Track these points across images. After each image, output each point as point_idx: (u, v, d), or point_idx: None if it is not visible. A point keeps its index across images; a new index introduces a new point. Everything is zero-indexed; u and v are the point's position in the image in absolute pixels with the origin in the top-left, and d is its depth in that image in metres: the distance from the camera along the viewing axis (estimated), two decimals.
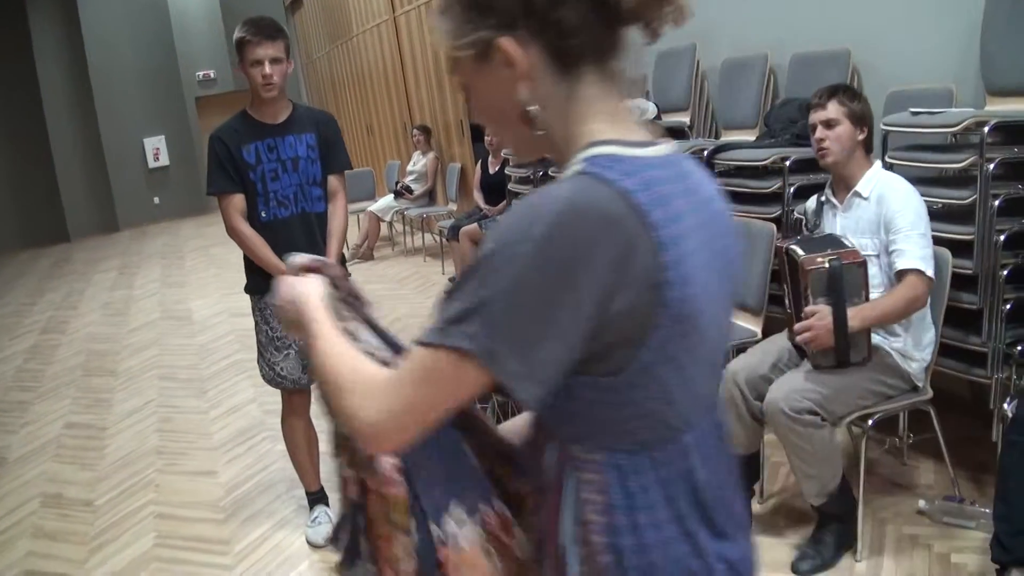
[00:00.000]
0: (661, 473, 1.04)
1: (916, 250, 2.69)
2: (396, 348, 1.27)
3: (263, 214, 3.15)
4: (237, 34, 3.06)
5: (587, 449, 1.05)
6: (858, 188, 2.88)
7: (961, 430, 3.26)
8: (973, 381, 3.18)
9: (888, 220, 2.76)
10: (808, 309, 2.71)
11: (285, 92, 3.16)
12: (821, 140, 2.89)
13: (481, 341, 0.92)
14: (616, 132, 1.02)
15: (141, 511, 3.91)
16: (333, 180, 3.27)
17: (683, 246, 0.97)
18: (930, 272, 2.70)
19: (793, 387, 2.74)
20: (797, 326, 2.74)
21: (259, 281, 3.17)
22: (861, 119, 2.87)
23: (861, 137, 2.88)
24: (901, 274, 2.70)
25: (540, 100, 1.03)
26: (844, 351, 2.69)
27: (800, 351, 2.93)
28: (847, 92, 2.91)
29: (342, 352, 1.09)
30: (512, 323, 0.92)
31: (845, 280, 2.66)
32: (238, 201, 3.14)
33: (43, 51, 14.80)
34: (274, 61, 3.03)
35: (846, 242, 2.77)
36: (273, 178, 3.13)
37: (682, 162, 1.07)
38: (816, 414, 2.69)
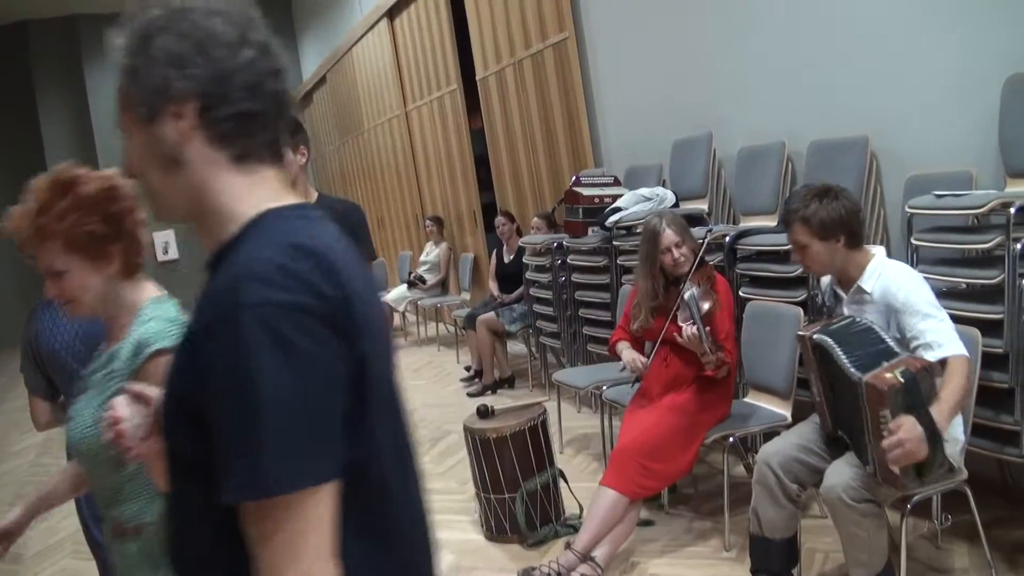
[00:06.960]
0: None
1: (947, 334, 2.65)
2: None
3: None
4: None
5: None
6: (861, 283, 2.84)
7: (993, 510, 3.21)
8: (1003, 460, 3.14)
9: (900, 312, 2.71)
10: (893, 424, 2.45)
11: (303, 183, 3.14)
12: (800, 263, 2.89)
13: None
14: None
15: None
16: None
17: None
18: (966, 352, 2.68)
19: (853, 476, 2.67)
20: (886, 443, 2.44)
21: None
22: (830, 230, 2.78)
23: (840, 244, 2.81)
24: (944, 363, 2.62)
25: None
26: (932, 461, 2.51)
27: (837, 441, 2.87)
28: (808, 208, 2.80)
29: None
30: None
31: (921, 388, 2.51)
32: None
33: (52, 145, 15.05)
34: None
35: (883, 335, 2.68)
36: None
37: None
38: (871, 501, 2.65)
